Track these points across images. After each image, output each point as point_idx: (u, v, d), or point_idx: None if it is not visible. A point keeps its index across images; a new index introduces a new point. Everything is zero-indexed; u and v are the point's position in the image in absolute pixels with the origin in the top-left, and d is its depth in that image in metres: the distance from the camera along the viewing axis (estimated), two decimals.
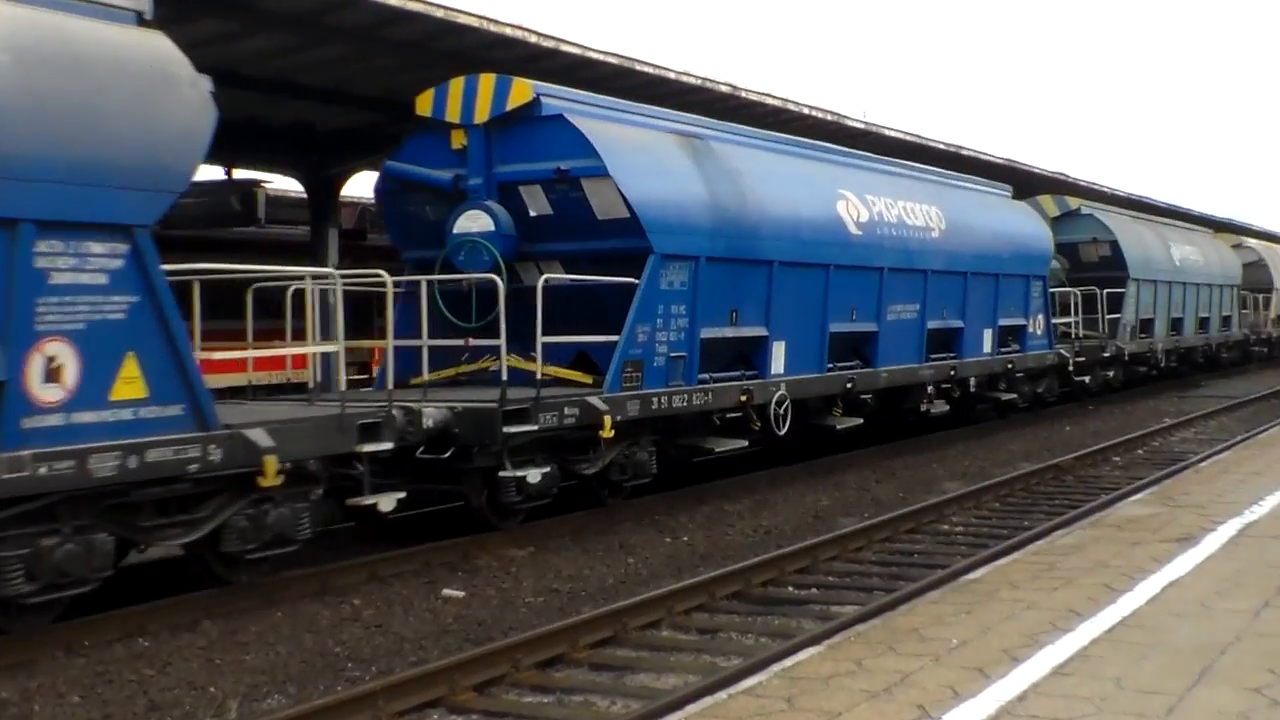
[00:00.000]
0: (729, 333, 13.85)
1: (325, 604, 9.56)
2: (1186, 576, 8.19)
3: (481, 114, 12.71)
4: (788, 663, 6.57)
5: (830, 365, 15.57)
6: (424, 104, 12.96)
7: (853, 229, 15.65)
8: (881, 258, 16.33)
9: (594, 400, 11.76)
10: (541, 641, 8.23)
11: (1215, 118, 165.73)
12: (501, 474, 11.09)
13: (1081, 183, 31.02)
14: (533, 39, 14.35)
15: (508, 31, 14.05)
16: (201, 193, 15.96)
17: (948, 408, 20.30)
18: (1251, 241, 40.84)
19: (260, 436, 8.89)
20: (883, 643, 6.76)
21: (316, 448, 9.59)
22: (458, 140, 12.91)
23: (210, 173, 16.88)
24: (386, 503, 10.24)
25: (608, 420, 11.64)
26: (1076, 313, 24.05)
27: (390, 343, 11.28)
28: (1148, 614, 7.20)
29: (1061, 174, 29.75)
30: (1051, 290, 23.13)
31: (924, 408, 18.95)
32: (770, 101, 18.75)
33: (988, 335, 19.96)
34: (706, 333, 13.34)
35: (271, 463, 8.85)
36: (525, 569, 10.91)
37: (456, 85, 12.87)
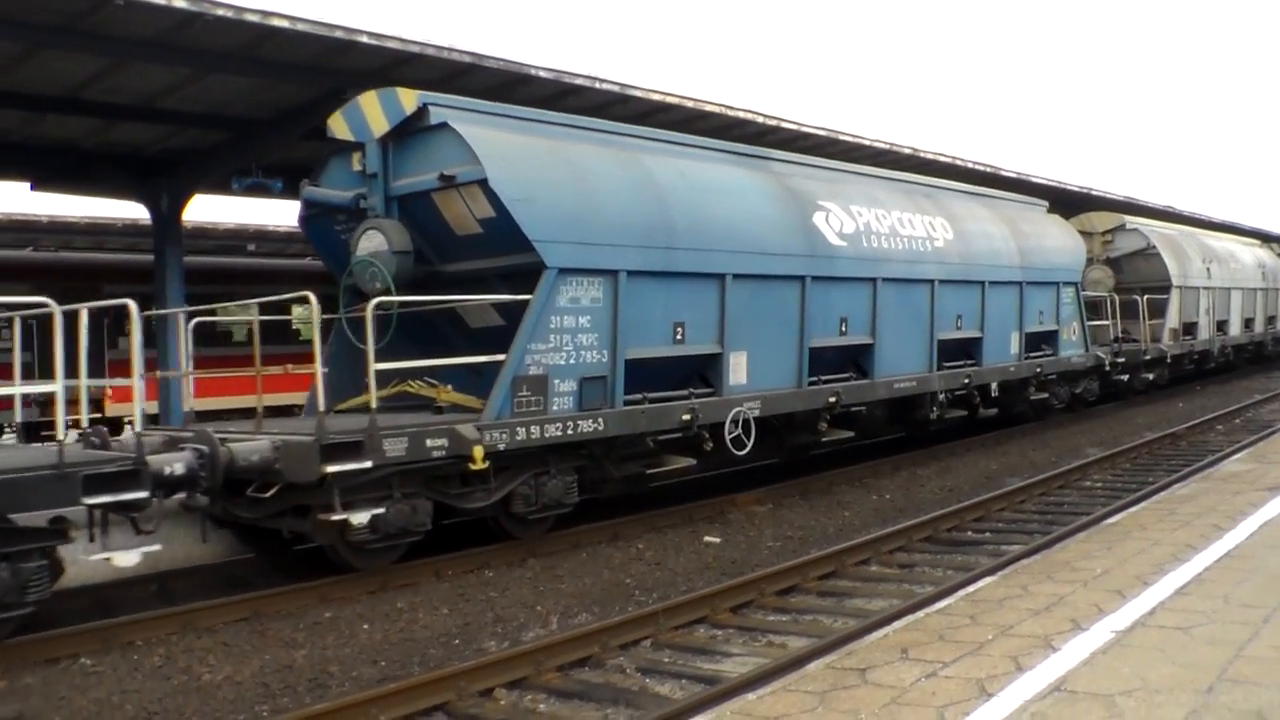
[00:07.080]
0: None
1: (617, 547, 10.27)
2: (1277, 517, 8.39)
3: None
4: (970, 589, 6.86)
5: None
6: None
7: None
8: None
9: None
10: (780, 575, 8.82)
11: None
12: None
13: (1121, 198, 26.96)
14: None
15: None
16: None
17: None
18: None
19: None
20: (1043, 573, 7.00)
21: None
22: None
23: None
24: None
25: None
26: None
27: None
28: (1247, 547, 7.39)
29: (1088, 189, 25.51)
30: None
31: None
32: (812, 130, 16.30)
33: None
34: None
35: None
36: (766, 521, 11.42)
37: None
